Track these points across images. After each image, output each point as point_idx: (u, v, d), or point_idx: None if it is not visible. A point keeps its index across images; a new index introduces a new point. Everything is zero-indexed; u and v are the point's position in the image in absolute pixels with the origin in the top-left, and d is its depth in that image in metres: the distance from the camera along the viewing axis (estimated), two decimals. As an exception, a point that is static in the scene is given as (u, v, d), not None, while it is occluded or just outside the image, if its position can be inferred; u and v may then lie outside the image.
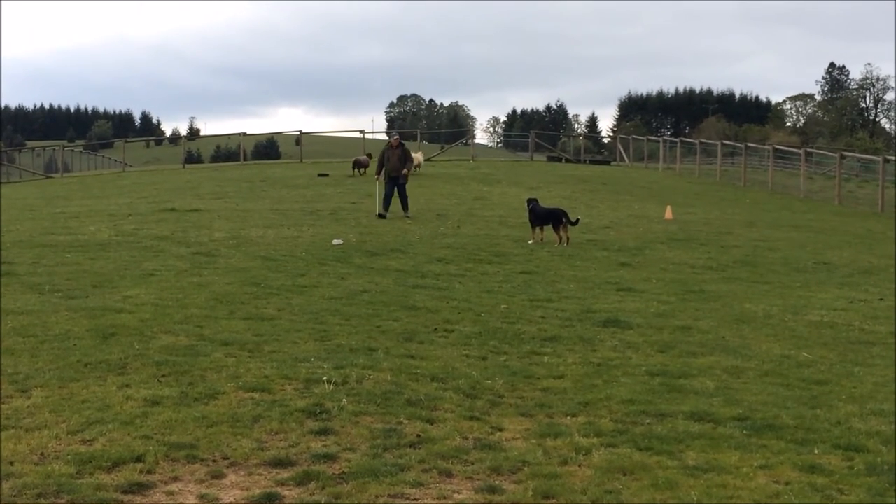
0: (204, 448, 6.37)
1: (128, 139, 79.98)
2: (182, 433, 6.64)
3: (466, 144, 62.43)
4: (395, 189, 23.12)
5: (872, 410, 7.59)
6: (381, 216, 22.42)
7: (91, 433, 6.62)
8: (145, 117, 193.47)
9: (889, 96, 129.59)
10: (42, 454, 6.21)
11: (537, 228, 18.93)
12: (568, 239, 18.57)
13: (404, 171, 23.22)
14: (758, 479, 6.04)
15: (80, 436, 6.59)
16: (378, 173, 23.91)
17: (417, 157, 42.13)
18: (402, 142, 24.37)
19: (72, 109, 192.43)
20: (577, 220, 19.58)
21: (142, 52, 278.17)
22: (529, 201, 19.47)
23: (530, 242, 18.53)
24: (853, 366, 9.35)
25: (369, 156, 39.16)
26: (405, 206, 23.18)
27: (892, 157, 47.23)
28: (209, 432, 6.67)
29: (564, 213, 19.00)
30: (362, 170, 37.53)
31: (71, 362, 8.48)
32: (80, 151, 72.48)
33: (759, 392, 8.17)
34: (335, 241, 17.51)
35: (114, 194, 30.88)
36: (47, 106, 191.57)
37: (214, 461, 6.19)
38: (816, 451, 6.57)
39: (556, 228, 18.65)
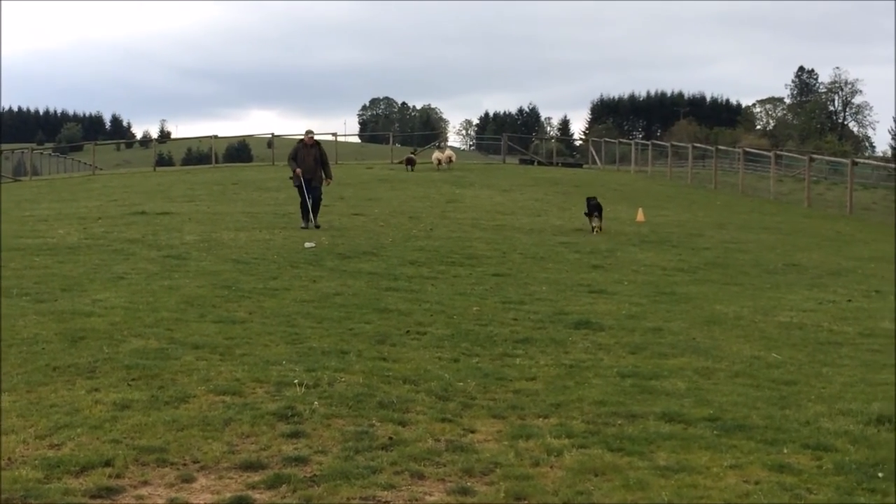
0: (174, 452, 6.33)
1: (98, 142, 79.31)
2: (152, 437, 6.60)
3: (439, 147, 62.39)
4: (310, 194, 20.79)
5: (841, 410, 7.65)
6: (303, 227, 20.32)
7: (59, 437, 6.57)
8: (115, 120, 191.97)
9: (857, 99, 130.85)
10: (9, 459, 6.15)
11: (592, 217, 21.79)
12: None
13: (326, 180, 21.29)
14: (728, 478, 6.08)
15: (49, 440, 6.53)
16: (295, 169, 21.17)
17: (448, 153, 45.52)
18: (318, 141, 21.79)
19: (41, 112, 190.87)
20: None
21: (111, 53, 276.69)
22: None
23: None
24: (822, 366, 9.43)
25: (414, 152, 48.00)
26: (315, 213, 20.83)
27: (861, 160, 47.70)
28: (179, 436, 6.62)
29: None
30: (411, 167, 43.24)
31: (39, 366, 8.40)
32: (50, 154, 71.95)
33: (730, 393, 8.22)
34: (307, 244, 17.46)
35: (83, 197, 30.66)
36: (16, 108, 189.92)
37: (184, 465, 6.15)
38: (786, 451, 6.61)
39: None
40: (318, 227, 20.37)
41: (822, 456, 6.52)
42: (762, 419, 7.35)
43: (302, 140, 21.71)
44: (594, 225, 21.78)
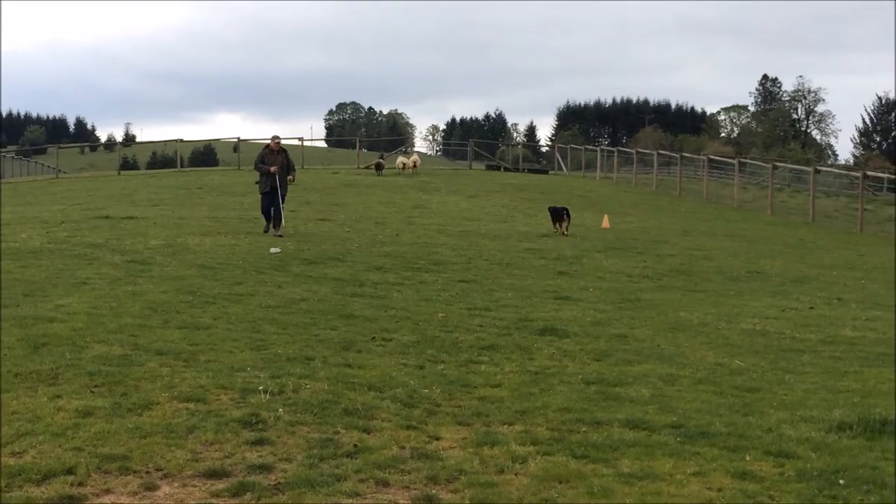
0: (137, 459, 6.28)
1: (61, 145, 78.52)
2: (115, 444, 6.54)
3: (405, 152, 62.42)
4: (273, 200, 20.35)
5: (803, 417, 7.73)
6: (266, 231, 20.21)
7: (21, 445, 6.50)
8: (80, 123, 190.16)
9: (820, 108, 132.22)
10: (-31, 467, 6.08)
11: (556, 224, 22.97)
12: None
13: (289, 177, 20.88)
14: (691, 485, 6.12)
15: (10, 448, 6.45)
16: (269, 168, 20.57)
17: (414, 157, 46.67)
18: (284, 148, 21.38)
19: (3, 114, 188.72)
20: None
21: (76, 55, 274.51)
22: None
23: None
24: (784, 373, 9.51)
25: (382, 157, 49.98)
26: (278, 222, 20.19)
27: (823, 168, 48.21)
28: (142, 443, 6.57)
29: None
30: (380, 172, 45.14)
31: (1, 372, 8.30)
32: (12, 157, 71.10)
33: (693, 399, 8.28)
34: (273, 250, 17.40)
35: (47, 201, 30.37)
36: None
37: (148, 473, 6.10)
38: (748, 458, 6.67)
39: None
40: (280, 236, 19.59)
41: (784, 463, 6.58)
42: (725, 426, 7.40)
43: (268, 146, 21.18)
44: (562, 229, 22.66)
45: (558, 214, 23.15)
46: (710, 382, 8.99)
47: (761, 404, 8.19)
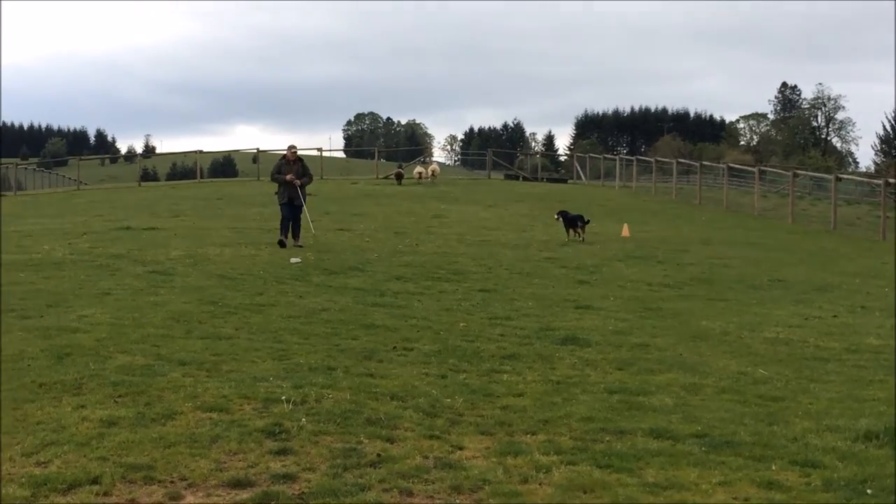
0: (161, 469, 6.30)
1: (82, 157, 79.20)
2: (139, 454, 6.56)
3: (423, 162, 62.54)
4: (292, 211, 20.21)
5: (828, 426, 7.67)
6: (280, 243, 19.62)
7: (46, 455, 6.52)
8: (100, 135, 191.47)
9: (840, 115, 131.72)
10: (-5, 477, 6.11)
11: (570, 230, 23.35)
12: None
13: (301, 180, 20.39)
14: (717, 495, 6.08)
15: (35, 458, 6.48)
16: (286, 177, 20.29)
17: (432, 167, 47.56)
18: (301, 157, 21.13)
19: (25, 127, 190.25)
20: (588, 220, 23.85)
21: (96, 68, 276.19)
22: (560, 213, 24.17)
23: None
24: (809, 382, 9.46)
25: (401, 167, 52.18)
26: (297, 233, 20.18)
27: (844, 176, 47.96)
28: (166, 453, 6.59)
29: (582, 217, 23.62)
30: (400, 181, 46.01)
31: (25, 383, 8.35)
32: (34, 169, 71.63)
33: (717, 409, 8.23)
34: (293, 260, 17.43)
35: (68, 213, 30.56)
36: (0, 123, 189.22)
37: (172, 482, 6.12)
38: (774, 468, 6.62)
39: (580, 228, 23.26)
40: (300, 246, 19.64)
41: (810, 472, 6.53)
42: (750, 435, 7.36)
43: (284, 156, 20.96)
44: (578, 236, 23.12)
45: (572, 222, 23.47)
46: (733, 391, 8.94)
47: (786, 413, 8.14)
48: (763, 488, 6.22)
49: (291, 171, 20.38)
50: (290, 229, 20.12)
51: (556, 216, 24.52)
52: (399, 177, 47.16)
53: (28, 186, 60.72)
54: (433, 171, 48.58)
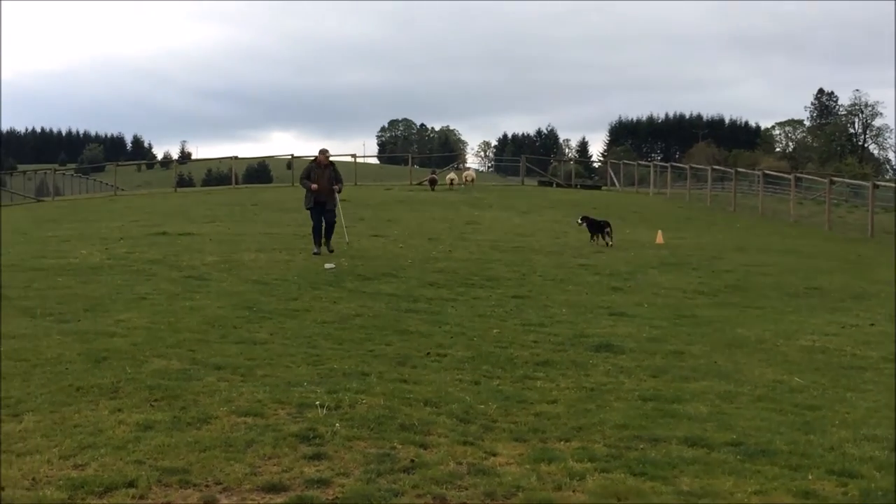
0: (197, 473, 6.34)
1: (119, 163, 79.89)
2: (174, 458, 6.61)
3: (457, 168, 62.65)
4: (324, 217, 19.79)
5: (866, 436, 7.60)
6: (315, 254, 19.30)
7: (83, 458, 6.59)
8: (136, 141, 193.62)
9: (877, 122, 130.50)
10: (34, 479, 6.18)
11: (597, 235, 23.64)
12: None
13: (335, 187, 19.93)
14: (752, 504, 6.03)
15: (72, 461, 6.55)
16: (311, 184, 19.81)
17: (468, 172, 52.23)
18: (332, 161, 20.53)
19: (63, 133, 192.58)
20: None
21: (133, 75, 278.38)
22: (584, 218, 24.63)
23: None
24: (845, 391, 9.36)
25: (434, 172, 52.20)
26: (329, 237, 19.83)
27: (882, 183, 47.48)
28: (202, 457, 6.64)
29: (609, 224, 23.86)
30: (433, 187, 46.66)
31: (63, 386, 8.44)
32: (72, 175, 72.44)
33: (753, 417, 8.17)
34: (327, 266, 17.50)
35: (105, 218, 30.84)
36: (38, 129, 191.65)
37: (207, 486, 6.16)
38: (810, 477, 6.56)
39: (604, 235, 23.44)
40: (331, 251, 19.56)
41: (847, 482, 6.47)
42: (786, 444, 7.30)
43: (315, 159, 20.36)
44: (605, 241, 23.33)
45: (598, 227, 23.82)
46: (769, 400, 8.87)
47: (823, 422, 8.07)
48: (799, 498, 6.17)
49: (322, 175, 19.84)
50: (323, 236, 19.89)
51: (578, 221, 24.98)
52: (433, 182, 47.71)
53: (66, 192, 61.44)
54: (468, 178, 49.25)
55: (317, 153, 20.88)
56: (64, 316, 11.90)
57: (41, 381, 8.64)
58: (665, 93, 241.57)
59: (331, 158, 20.68)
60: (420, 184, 51.17)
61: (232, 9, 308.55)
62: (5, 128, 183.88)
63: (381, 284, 15.73)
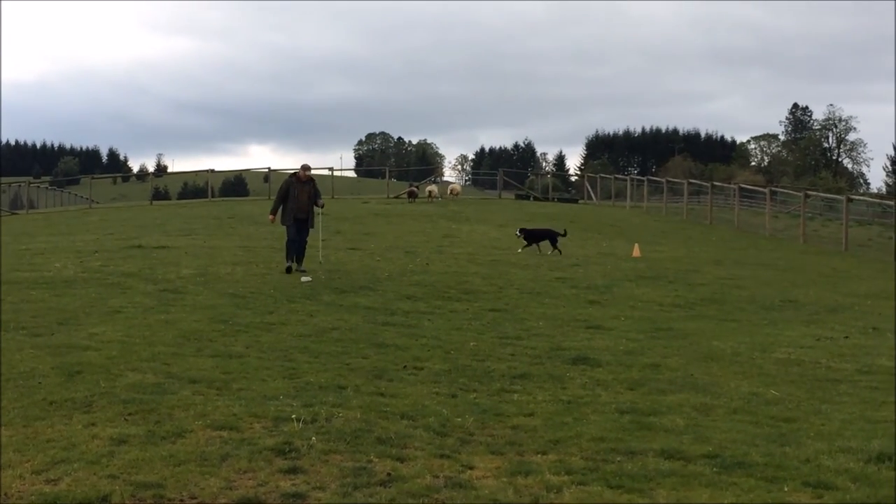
0: (171, 487, 6.29)
1: (94, 176, 79.58)
2: (149, 472, 6.55)
3: (435, 182, 62.68)
4: (299, 232, 18.91)
5: (841, 447, 7.62)
6: (288, 270, 18.52)
7: (56, 473, 6.52)
8: (112, 154, 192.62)
9: (851, 136, 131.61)
10: (6, 495, 6.11)
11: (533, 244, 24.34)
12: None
13: (319, 202, 19.31)
14: (729, 516, 6.04)
15: (45, 475, 6.48)
16: (273, 213, 19.42)
17: (455, 186, 53.19)
18: (312, 177, 19.71)
19: (38, 145, 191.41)
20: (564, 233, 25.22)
21: (109, 87, 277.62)
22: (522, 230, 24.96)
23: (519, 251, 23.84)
24: (821, 403, 9.40)
25: (416, 187, 51.52)
26: (301, 257, 18.92)
27: (856, 197, 47.86)
28: (176, 471, 6.58)
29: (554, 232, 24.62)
30: (413, 199, 47.13)
31: (36, 400, 8.36)
32: (46, 188, 72.00)
33: (729, 430, 8.19)
34: (304, 279, 17.43)
35: (80, 231, 30.64)
36: (13, 142, 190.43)
37: (182, 501, 6.11)
38: (786, 489, 6.58)
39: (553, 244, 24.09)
40: (303, 271, 18.42)
41: (823, 494, 6.49)
42: (762, 456, 7.32)
43: (295, 174, 19.56)
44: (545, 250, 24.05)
45: (538, 237, 24.77)
46: (745, 412, 8.90)
47: (798, 434, 8.10)
48: (775, 510, 6.18)
49: (303, 191, 19.12)
50: (296, 252, 19.04)
51: (517, 233, 25.39)
52: (412, 195, 48.33)
53: (40, 205, 61.02)
54: (454, 191, 51.11)
55: (298, 168, 20.16)
56: (37, 329, 11.80)
57: (14, 395, 8.55)
58: (641, 107, 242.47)
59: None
60: (398, 196, 51.29)
61: (209, 21, 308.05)
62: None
63: (357, 297, 15.69)
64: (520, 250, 24.26)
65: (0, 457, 6.84)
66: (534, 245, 24.68)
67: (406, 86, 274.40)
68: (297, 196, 19.09)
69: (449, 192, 49.41)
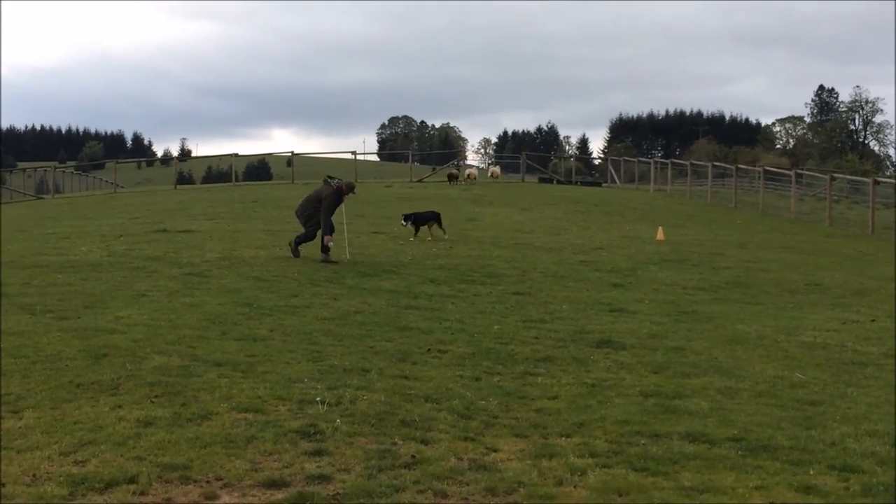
0: (197, 469, 6.33)
1: (119, 160, 79.79)
2: (175, 454, 6.60)
3: (457, 166, 62.63)
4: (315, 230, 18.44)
5: (867, 431, 7.59)
6: (294, 254, 18.33)
7: (83, 454, 6.58)
8: (136, 138, 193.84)
9: (878, 118, 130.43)
10: (34, 475, 6.17)
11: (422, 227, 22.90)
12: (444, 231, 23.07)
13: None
14: (754, 499, 6.03)
15: (73, 457, 6.54)
16: (332, 233, 18.23)
17: (496, 170, 55.58)
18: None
19: (63, 130, 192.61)
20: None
21: (133, 72, 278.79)
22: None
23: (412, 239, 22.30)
24: (846, 386, 9.36)
25: (457, 169, 53.50)
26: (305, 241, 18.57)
27: (883, 179, 47.44)
28: (202, 453, 6.63)
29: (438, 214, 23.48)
30: (455, 181, 47.93)
31: (63, 383, 8.43)
32: (72, 172, 72.40)
33: (754, 413, 8.16)
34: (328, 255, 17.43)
35: (105, 215, 30.82)
36: (38, 127, 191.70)
37: (208, 482, 6.15)
38: (812, 472, 6.56)
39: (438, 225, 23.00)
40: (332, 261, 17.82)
41: (849, 477, 6.46)
42: (787, 440, 7.29)
43: (341, 189, 18.68)
44: (431, 233, 22.77)
45: (423, 219, 23.12)
46: (770, 395, 8.87)
47: (824, 418, 8.06)
48: (801, 493, 6.16)
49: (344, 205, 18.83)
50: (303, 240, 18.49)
51: (402, 222, 22.98)
52: (452, 177, 49.33)
53: (66, 189, 61.40)
54: (494, 174, 54.21)
55: (344, 184, 19.04)
56: (64, 312, 11.88)
57: (41, 377, 8.63)
58: (665, 89, 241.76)
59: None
60: (428, 177, 52.41)
61: (229, 5, 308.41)
62: (5, 125, 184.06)
63: (381, 281, 15.72)
64: (411, 239, 22.20)
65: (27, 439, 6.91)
66: (423, 228, 22.76)
67: (426, 69, 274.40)
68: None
69: (467, 176, 49.60)
